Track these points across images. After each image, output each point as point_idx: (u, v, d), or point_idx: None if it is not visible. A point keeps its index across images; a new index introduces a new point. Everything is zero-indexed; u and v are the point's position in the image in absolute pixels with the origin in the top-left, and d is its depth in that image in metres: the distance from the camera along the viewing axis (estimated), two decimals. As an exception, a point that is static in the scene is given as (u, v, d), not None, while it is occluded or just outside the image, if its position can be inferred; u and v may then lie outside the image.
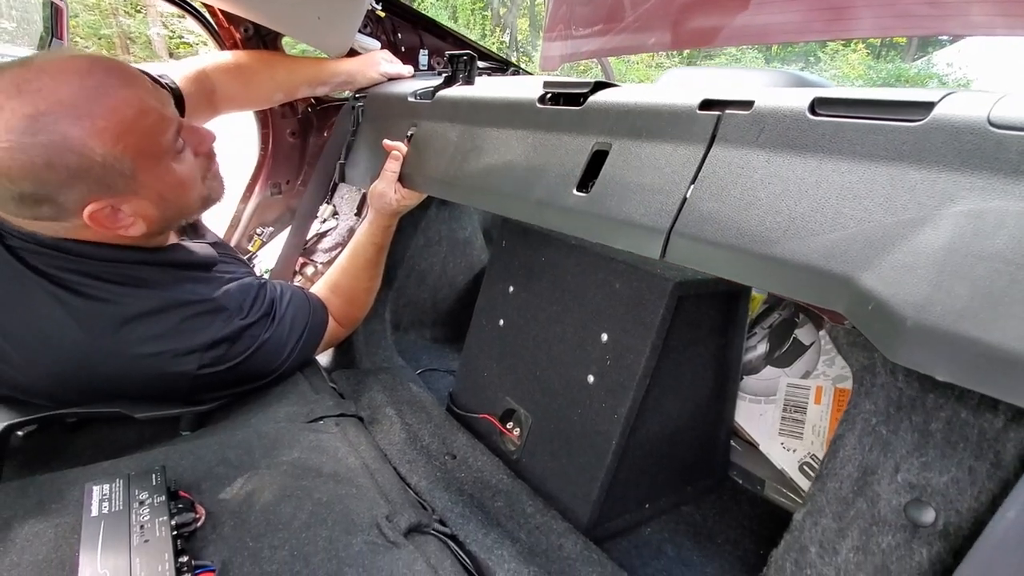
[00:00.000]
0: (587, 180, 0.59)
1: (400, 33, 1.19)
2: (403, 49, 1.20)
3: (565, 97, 0.66)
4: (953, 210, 0.36)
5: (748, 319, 0.86)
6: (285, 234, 1.37)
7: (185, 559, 0.54)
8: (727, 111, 0.50)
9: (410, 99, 0.95)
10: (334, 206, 1.25)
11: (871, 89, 0.44)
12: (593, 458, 0.72)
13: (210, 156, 0.77)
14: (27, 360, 0.70)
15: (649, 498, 0.80)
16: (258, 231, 1.35)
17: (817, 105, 0.45)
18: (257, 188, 1.34)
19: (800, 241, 0.40)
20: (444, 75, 0.95)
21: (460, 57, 0.92)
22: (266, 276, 0.96)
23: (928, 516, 0.36)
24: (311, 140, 1.35)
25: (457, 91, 0.88)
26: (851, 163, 0.41)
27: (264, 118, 1.28)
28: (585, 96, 0.64)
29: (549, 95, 0.69)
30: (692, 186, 0.50)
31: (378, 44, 1.12)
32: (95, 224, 0.67)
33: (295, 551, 0.58)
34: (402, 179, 0.94)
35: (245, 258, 1.34)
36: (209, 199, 0.79)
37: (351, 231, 1.22)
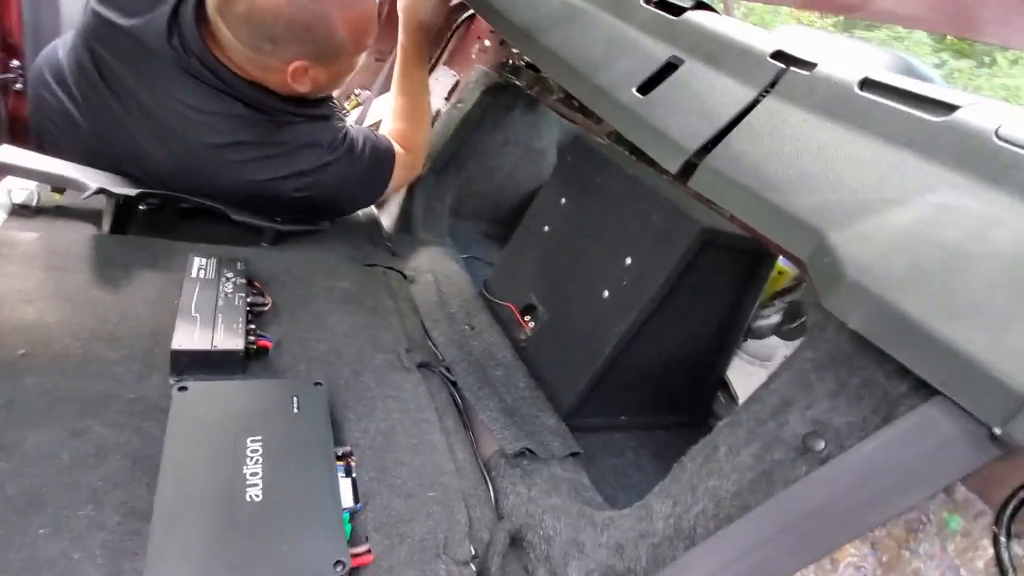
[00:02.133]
0: (649, 85, 0.64)
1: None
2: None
3: (667, 5, 0.70)
4: (927, 198, 0.41)
5: (767, 288, 0.91)
6: (378, 100, 1.47)
7: (252, 327, 0.69)
8: (791, 68, 0.54)
9: None
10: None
11: (919, 82, 0.48)
12: (587, 359, 0.82)
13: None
14: (168, 151, 0.87)
15: (628, 411, 0.91)
16: (356, 91, 1.45)
17: (866, 84, 0.49)
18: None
19: (798, 195, 0.46)
20: None
21: None
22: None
23: (818, 445, 0.45)
24: (423, 17, 1.39)
25: None
26: (870, 140, 0.46)
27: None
28: (685, 9, 0.67)
29: (654, 1, 0.72)
30: (736, 126, 0.55)
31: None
32: (289, 74, 0.86)
33: (333, 348, 0.73)
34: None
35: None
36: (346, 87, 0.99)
37: (437, 112, 1.30)
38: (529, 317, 0.98)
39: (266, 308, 0.76)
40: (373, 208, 1.29)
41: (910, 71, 0.67)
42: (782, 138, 0.51)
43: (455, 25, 1.34)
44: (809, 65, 0.54)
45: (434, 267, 1.07)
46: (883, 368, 0.43)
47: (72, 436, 0.52)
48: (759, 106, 0.55)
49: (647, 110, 0.62)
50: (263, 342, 0.69)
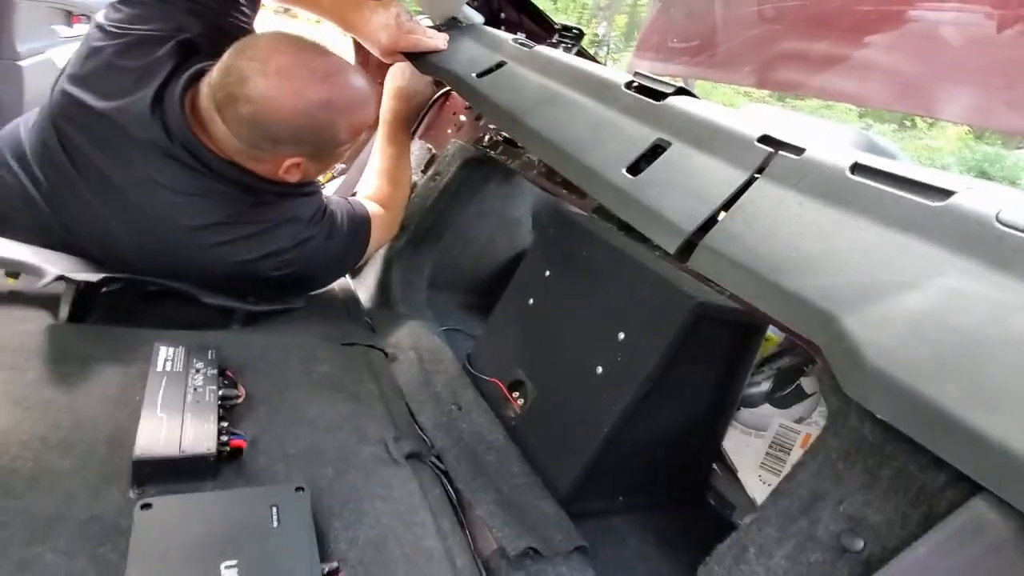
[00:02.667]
0: (638, 166, 0.65)
1: (504, 13, 1.25)
2: (502, 27, 1.26)
3: (648, 90, 0.72)
4: (940, 283, 0.41)
5: (759, 357, 0.91)
6: (352, 173, 1.46)
7: (225, 424, 0.63)
8: (780, 151, 0.56)
9: (511, 41, 1.01)
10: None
11: (906, 165, 0.49)
12: (583, 440, 0.79)
13: None
14: (137, 233, 0.82)
15: (626, 491, 0.87)
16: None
17: (856, 168, 0.50)
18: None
19: (805, 277, 0.46)
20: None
21: (571, 29, 0.99)
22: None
23: (857, 545, 0.42)
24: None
25: (556, 52, 0.94)
26: (870, 223, 0.47)
27: (362, 64, 1.36)
28: (666, 95, 0.69)
29: (636, 84, 0.74)
30: (729, 207, 0.55)
31: (481, 19, 1.18)
32: (283, 169, 0.85)
33: (313, 445, 0.67)
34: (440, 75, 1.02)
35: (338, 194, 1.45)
36: None
37: (414, 185, 1.30)
38: (517, 393, 0.94)
39: (240, 400, 0.70)
40: (349, 282, 1.25)
41: (872, 146, 0.71)
42: (780, 220, 0.51)
43: (431, 100, 1.36)
44: (797, 149, 0.55)
45: (416, 342, 1.03)
46: (916, 459, 0.41)
47: (19, 569, 0.45)
48: (752, 188, 0.56)
49: (639, 190, 0.63)
50: (237, 442, 0.63)
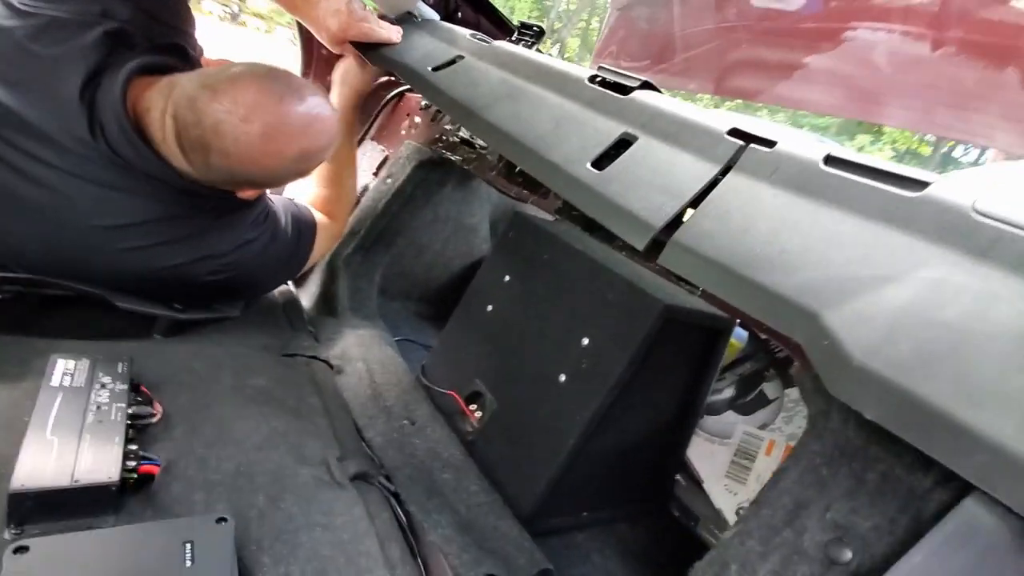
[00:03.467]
0: (603, 160, 0.61)
1: (461, 12, 1.21)
2: (458, 28, 1.22)
3: (613, 84, 0.69)
4: (920, 275, 0.39)
5: (722, 363, 0.89)
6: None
7: (134, 447, 0.55)
8: (751, 144, 0.53)
9: (469, 36, 0.96)
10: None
11: (878, 158, 0.48)
12: (547, 453, 0.73)
13: None
14: (39, 232, 0.72)
15: (590, 506, 0.82)
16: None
17: (829, 160, 0.48)
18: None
19: (783, 273, 0.43)
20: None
21: (532, 27, 0.95)
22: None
23: (845, 556, 0.39)
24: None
25: (516, 47, 0.90)
26: (845, 215, 0.45)
27: (308, 62, 1.29)
28: (632, 89, 0.66)
29: (600, 78, 0.71)
30: (700, 202, 0.52)
31: (437, 16, 1.14)
32: (242, 193, 0.81)
33: (242, 467, 0.59)
34: (398, 70, 0.97)
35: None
36: None
37: (365, 187, 1.23)
38: (475, 406, 0.88)
39: (154, 420, 0.61)
40: (292, 288, 1.17)
41: None
42: (754, 214, 0.49)
43: (384, 101, 1.30)
44: (768, 142, 0.53)
45: (365, 353, 0.96)
46: (902, 460, 0.39)
47: None
48: (724, 182, 0.53)
49: (604, 186, 0.59)
50: (147, 467, 0.54)
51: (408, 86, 1.29)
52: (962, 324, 0.36)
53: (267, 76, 0.74)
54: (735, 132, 0.56)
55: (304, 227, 0.96)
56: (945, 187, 0.43)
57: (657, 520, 0.90)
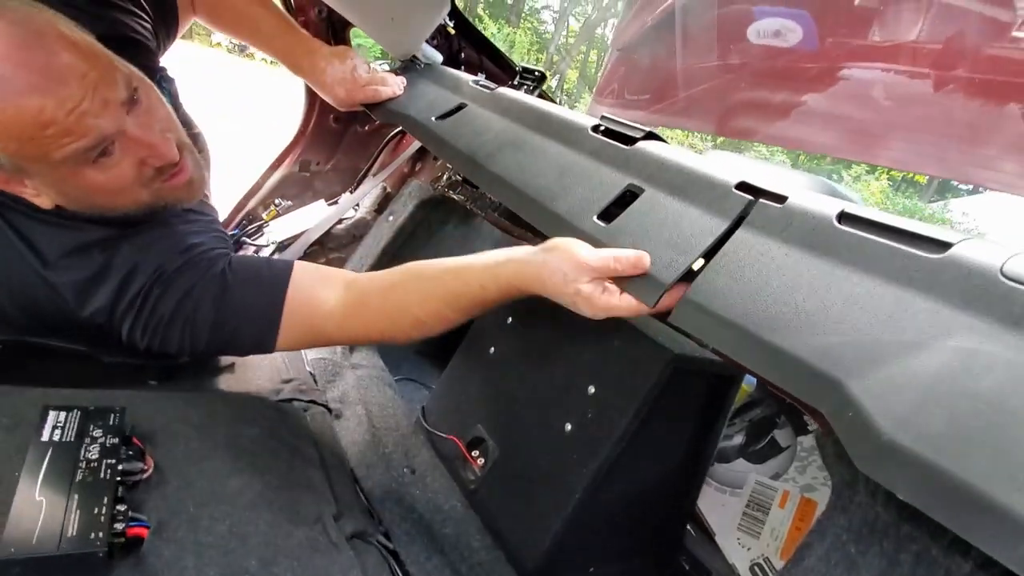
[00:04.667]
0: (610, 213, 0.60)
1: (464, 53, 1.22)
2: (462, 68, 1.24)
3: (617, 135, 0.69)
4: (949, 343, 0.37)
5: (732, 408, 0.86)
6: (299, 212, 1.38)
7: (123, 508, 0.52)
8: (761, 199, 0.52)
9: (471, 83, 0.97)
10: (357, 198, 1.26)
11: (895, 216, 0.46)
12: (552, 506, 0.71)
13: (163, 169, 0.69)
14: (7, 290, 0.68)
15: (597, 561, 0.78)
16: (276, 202, 1.35)
17: (843, 217, 0.47)
18: (287, 161, 1.35)
19: (801, 336, 0.41)
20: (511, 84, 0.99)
21: (533, 71, 0.96)
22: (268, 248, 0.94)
23: (881, 650, 0.36)
24: (352, 129, 1.37)
25: (518, 94, 0.90)
26: (864, 277, 0.43)
27: (313, 100, 1.30)
28: (636, 140, 0.66)
29: (603, 128, 0.71)
30: (711, 259, 0.51)
31: (440, 58, 1.15)
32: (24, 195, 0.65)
33: (234, 528, 0.56)
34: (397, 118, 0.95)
35: (256, 225, 1.35)
36: (157, 205, 0.71)
37: (367, 225, 1.23)
38: (477, 452, 0.85)
39: (145, 475, 0.58)
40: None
41: (833, 192, 0.70)
42: (768, 272, 0.47)
43: (386, 139, 1.31)
44: (779, 197, 0.52)
45: (364, 395, 0.93)
46: (937, 542, 0.36)
47: None
48: (734, 238, 0.52)
49: (612, 238, 0.58)
50: (136, 529, 0.52)
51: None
52: (999, 398, 0.34)
53: None
54: (743, 186, 0.55)
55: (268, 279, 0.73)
56: (970, 248, 0.42)
57: (668, 575, 0.86)
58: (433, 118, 0.92)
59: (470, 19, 1.20)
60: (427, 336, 0.74)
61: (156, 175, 0.68)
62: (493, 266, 0.67)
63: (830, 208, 0.49)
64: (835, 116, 1.24)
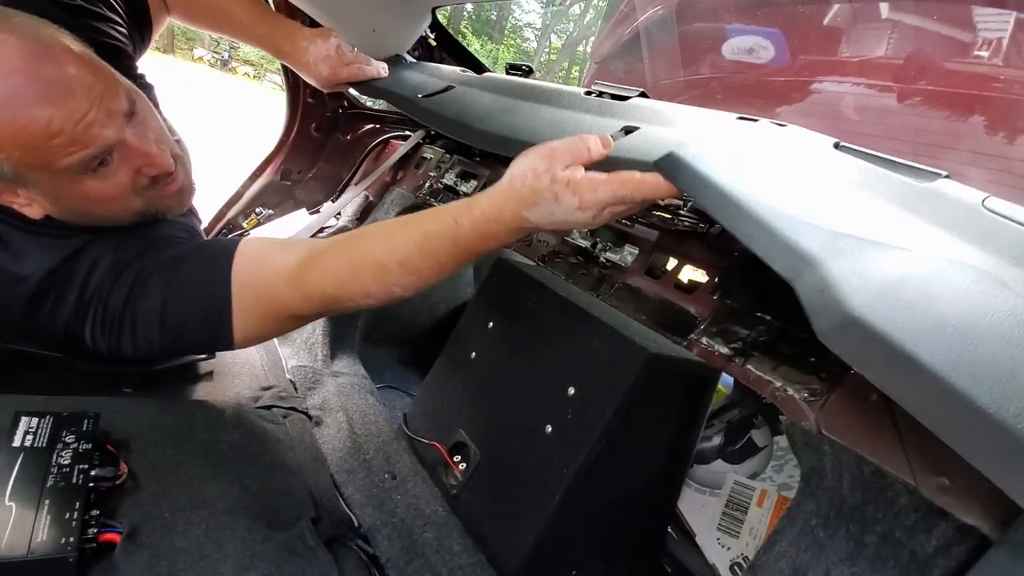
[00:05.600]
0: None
1: (445, 64, 1.24)
2: (443, 79, 1.25)
3: (610, 95, 0.70)
4: (927, 251, 0.39)
5: (710, 409, 0.87)
6: (280, 220, 1.37)
7: (95, 513, 0.51)
8: (760, 123, 0.55)
9: (458, 71, 0.98)
10: (339, 207, 1.26)
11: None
12: (533, 509, 0.71)
13: (159, 178, 0.70)
14: None
15: (578, 564, 0.78)
16: (257, 211, 1.35)
17: (840, 146, 0.50)
18: (268, 170, 1.35)
19: (789, 216, 0.42)
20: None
21: (520, 67, 0.98)
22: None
23: (849, 630, 0.37)
24: (334, 138, 1.37)
25: (506, 76, 0.91)
26: (857, 190, 0.46)
27: (295, 108, 1.31)
28: (628, 97, 0.67)
29: (596, 92, 0.72)
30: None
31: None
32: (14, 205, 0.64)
33: (210, 533, 0.55)
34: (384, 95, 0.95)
35: (236, 234, 1.34)
36: (148, 213, 0.72)
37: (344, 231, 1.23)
38: (459, 457, 0.85)
39: (119, 482, 0.58)
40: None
41: None
42: (765, 162, 0.50)
43: (368, 148, 1.32)
44: (780, 125, 0.55)
45: (345, 403, 0.93)
46: (902, 522, 0.37)
47: None
48: (735, 133, 0.54)
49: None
50: (108, 535, 0.51)
51: (391, 134, 1.31)
52: (968, 301, 0.35)
53: None
54: (744, 118, 0.57)
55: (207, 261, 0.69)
56: (955, 184, 0.45)
57: (649, 578, 0.86)
58: (420, 96, 0.93)
59: (453, 35, 1.22)
60: (392, 298, 0.65)
61: (151, 184, 0.69)
62: (465, 201, 0.61)
63: (824, 138, 0.52)
64: (805, 128, 1.29)
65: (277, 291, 0.66)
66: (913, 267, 0.38)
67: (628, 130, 0.62)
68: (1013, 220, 0.40)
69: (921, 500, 0.36)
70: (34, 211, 0.66)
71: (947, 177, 0.45)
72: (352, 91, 1.36)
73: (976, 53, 1.35)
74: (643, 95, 0.69)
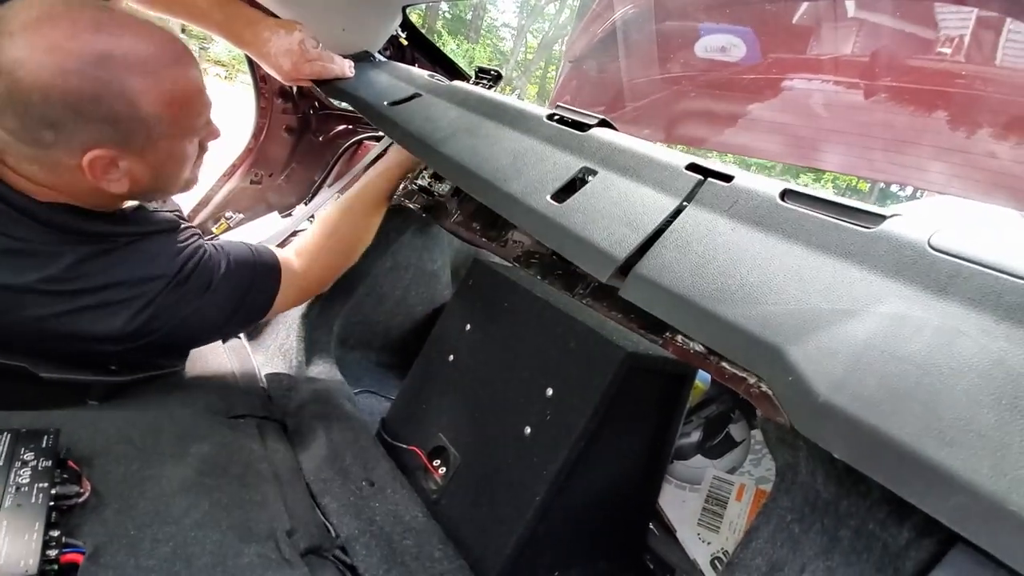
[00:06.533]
0: (563, 193, 0.62)
1: (417, 64, 1.23)
2: (416, 78, 1.24)
3: (571, 122, 0.70)
4: (880, 310, 0.39)
5: (688, 406, 0.88)
6: (251, 224, 1.34)
7: (56, 534, 0.49)
8: (709, 178, 0.55)
9: (426, 76, 0.97)
10: (312, 209, 1.24)
11: (833, 194, 0.49)
12: (514, 511, 0.70)
13: (204, 150, 0.79)
14: None
15: (561, 565, 0.78)
16: (227, 215, 1.32)
17: (787, 195, 0.49)
18: (238, 173, 1.32)
19: (744, 306, 0.43)
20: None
21: (489, 71, 0.97)
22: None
23: (826, 624, 0.37)
24: (305, 139, 1.35)
25: (473, 87, 0.91)
26: (803, 250, 0.46)
27: (264, 109, 1.28)
28: (590, 126, 0.67)
29: (558, 116, 0.72)
30: (661, 235, 0.53)
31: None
32: (89, 169, 0.65)
33: (179, 549, 0.54)
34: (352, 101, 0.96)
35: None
36: (187, 186, 0.80)
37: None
38: (439, 461, 0.84)
39: (81, 500, 0.55)
40: (243, 341, 1.11)
41: None
42: (714, 247, 0.49)
43: (341, 149, 1.30)
44: (726, 177, 0.54)
45: (321, 409, 0.91)
46: (874, 515, 0.38)
47: None
48: (683, 215, 0.54)
49: (565, 217, 0.59)
50: (70, 556, 0.49)
51: (365, 135, 1.29)
52: (926, 359, 0.36)
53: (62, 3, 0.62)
54: (693, 167, 0.57)
55: (261, 272, 0.84)
56: (901, 223, 0.44)
57: (632, 574, 0.86)
58: (386, 103, 0.91)
59: (429, 36, 1.21)
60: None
61: (201, 155, 0.78)
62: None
63: (774, 187, 0.51)
64: (776, 123, 1.31)
65: (291, 297, 0.90)
66: (870, 332, 0.39)
67: (582, 176, 0.63)
68: (959, 257, 0.40)
69: (893, 492, 0.37)
70: (121, 186, 0.69)
71: (894, 217, 0.45)
72: (318, 90, 1.34)
73: (939, 50, 1.39)
74: (604, 123, 0.69)
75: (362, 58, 1.09)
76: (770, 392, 0.43)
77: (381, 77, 1.03)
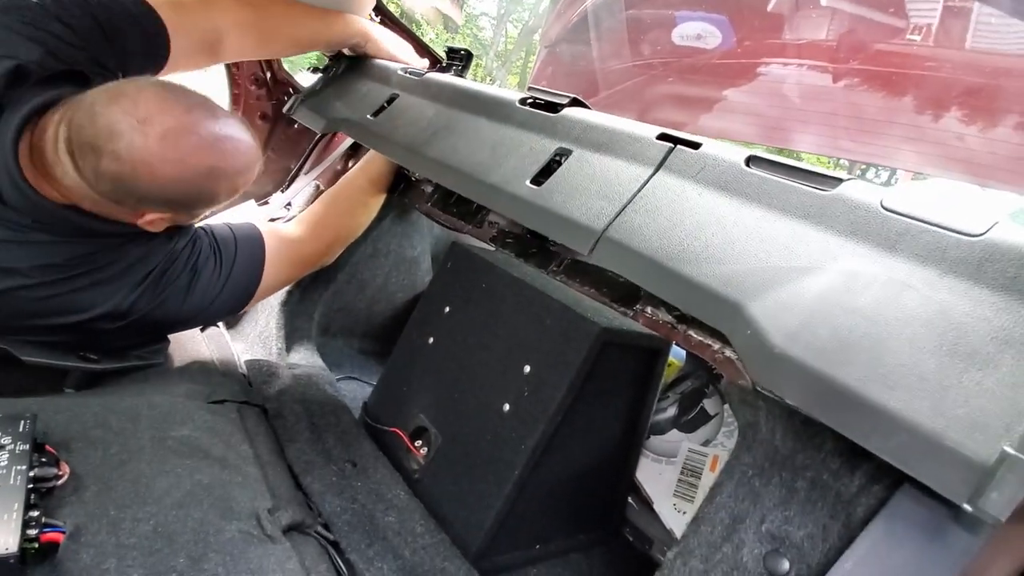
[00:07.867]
0: (541, 176, 0.63)
1: (390, 63, 1.22)
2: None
3: (544, 104, 0.71)
4: (834, 266, 0.41)
5: (663, 382, 0.90)
6: (227, 213, 1.33)
7: (36, 514, 0.49)
8: (679, 146, 0.56)
9: (400, 72, 0.98)
10: (288, 197, 1.23)
11: (795, 160, 0.51)
12: (493, 486, 0.72)
13: None
14: None
15: (541, 538, 0.80)
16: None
17: (751, 161, 0.51)
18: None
19: (707, 265, 0.45)
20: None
21: (459, 51, 0.97)
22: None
23: (783, 567, 0.39)
24: (280, 127, 1.33)
25: (447, 77, 0.92)
26: (765, 212, 0.48)
27: (237, 96, 1.27)
28: (562, 107, 0.69)
29: (530, 100, 0.73)
30: (631, 200, 0.54)
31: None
32: (143, 220, 0.72)
33: (160, 527, 0.54)
34: (358, 134, 0.98)
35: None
36: None
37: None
38: (420, 442, 0.86)
39: (60, 482, 0.55)
40: (222, 329, 1.11)
41: None
42: (681, 211, 0.51)
43: (316, 137, 1.29)
44: (695, 144, 0.56)
45: (303, 395, 0.91)
46: (828, 466, 0.40)
47: None
48: (652, 180, 0.56)
49: (546, 199, 0.60)
50: (50, 535, 0.49)
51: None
52: (875, 311, 0.38)
53: (178, 90, 0.68)
54: (663, 136, 0.59)
55: (243, 244, 0.86)
56: (856, 186, 0.47)
57: (612, 547, 0.89)
58: (368, 115, 0.93)
59: (409, 24, 1.20)
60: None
61: None
62: None
63: (739, 154, 0.53)
64: (751, 107, 1.34)
65: (284, 272, 0.95)
66: (824, 287, 0.41)
67: (558, 157, 0.65)
68: (908, 216, 0.42)
69: (845, 442, 0.39)
70: (158, 228, 0.75)
71: (850, 180, 0.47)
72: (297, 80, 1.33)
73: (908, 37, 1.43)
74: (575, 102, 0.71)
75: (338, 55, 1.10)
76: (733, 356, 0.44)
77: (359, 84, 1.04)
